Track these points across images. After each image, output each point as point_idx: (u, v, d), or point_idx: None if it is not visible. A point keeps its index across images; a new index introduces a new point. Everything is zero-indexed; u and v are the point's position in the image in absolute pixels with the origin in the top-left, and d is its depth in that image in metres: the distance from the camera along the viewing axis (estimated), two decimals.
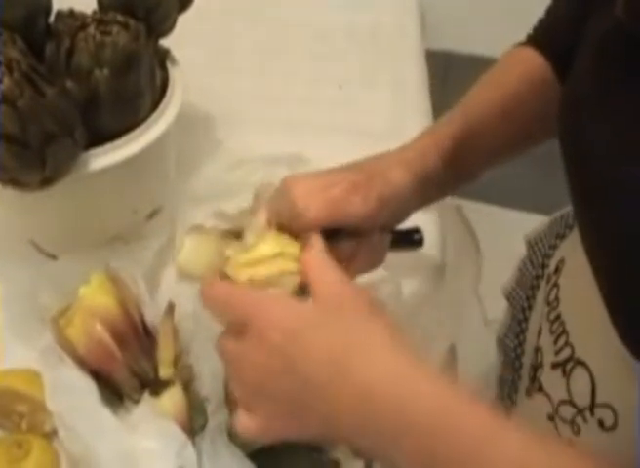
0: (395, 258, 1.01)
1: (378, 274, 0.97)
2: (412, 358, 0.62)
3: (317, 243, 0.72)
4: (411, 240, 0.91)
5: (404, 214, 0.82)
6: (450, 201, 1.02)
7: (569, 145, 0.72)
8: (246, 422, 0.67)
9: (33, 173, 0.82)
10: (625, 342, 0.70)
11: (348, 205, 0.74)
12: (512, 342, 1.07)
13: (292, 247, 0.74)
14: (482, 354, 1.15)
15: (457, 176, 0.87)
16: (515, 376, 1.02)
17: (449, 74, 1.57)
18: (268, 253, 0.74)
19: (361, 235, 0.78)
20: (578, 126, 0.70)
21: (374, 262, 0.82)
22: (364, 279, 0.94)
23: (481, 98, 0.89)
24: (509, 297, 1.13)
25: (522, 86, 0.88)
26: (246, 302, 0.68)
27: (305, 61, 1.39)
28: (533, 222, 1.01)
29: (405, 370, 0.62)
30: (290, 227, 0.75)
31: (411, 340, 0.64)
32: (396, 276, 0.99)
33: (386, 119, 1.27)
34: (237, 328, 0.67)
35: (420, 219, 1.05)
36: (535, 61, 0.88)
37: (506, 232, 1.12)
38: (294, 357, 0.63)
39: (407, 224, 0.86)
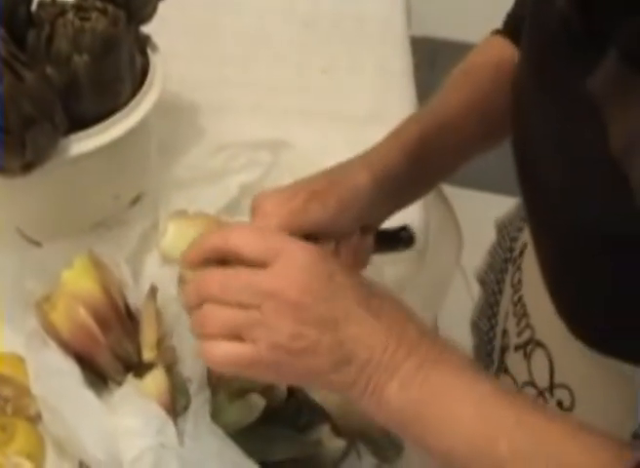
0: None
1: None
2: None
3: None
4: (398, 239, 0.91)
5: (373, 216, 0.82)
6: None
7: (515, 141, 0.73)
8: (233, 350, 0.65)
9: (14, 157, 0.83)
10: (571, 331, 0.71)
11: (307, 213, 0.74)
12: (485, 326, 1.08)
13: None
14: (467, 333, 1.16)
15: (426, 175, 0.87)
16: (488, 360, 1.03)
17: (436, 61, 1.57)
18: None
19: (336, 238, 0.78)
20: (519, 115, 0.71)
21: (357, 263, 0.82)
22: None
23: (449, 97, 0.89)
24: (482, 281, 1.13)
25: (490, 84, 0.87)
26: (277, 237, 0.68)
27: (290, 48, 1.39)
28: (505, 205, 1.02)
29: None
30: None
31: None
32: (378, 258, 1.00)
33: (371, 105, 1.27)
34: (261, 258, 0.66)
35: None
36: (505, 52, 0.87)
37: (481, 215, 1.13)
38: (333, 285, 0.65)
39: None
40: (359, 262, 0.82)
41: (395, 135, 0.85)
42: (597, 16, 0.58)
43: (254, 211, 0.76)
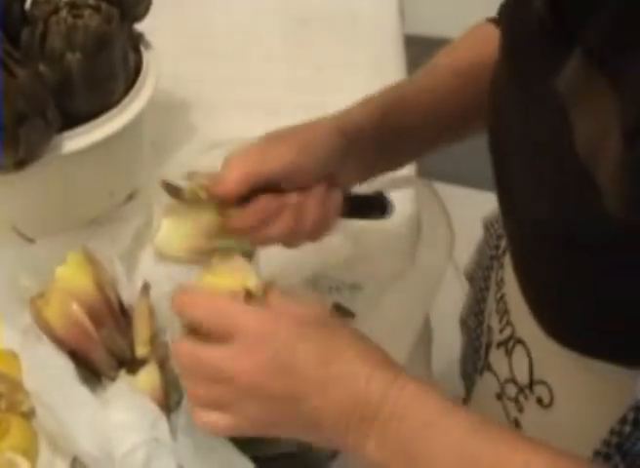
0: (370, 236, 1.02)
1: (352, 252, 0.99)
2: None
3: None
4: (371, 205, 0.90)
5: (339, 170, 0.81)
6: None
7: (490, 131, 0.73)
8: (217, 420, 0.67)
9: (7, 154, 0.83)
10: (543, 329, 0.72)
11: (265, 160, 0.76)
12: (473, 322, 1.08)
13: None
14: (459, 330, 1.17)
15: (396, 144, 0.87)
16: (476, 357, 1.04)
17: (430, 59, 1.57)
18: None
19: (300, 187, 0.78)
20: (495, 113, 0.71)
21: (325, 220, 0.81)
22: (338, 259, 0.96)
23: (436, 79, 0.90)
24: (470, 278, 1.14)
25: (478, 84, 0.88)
26: (234, 311, 0.68)
27: (283, 46, 1.39)
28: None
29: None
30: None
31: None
32: (371, 254, 1.00)
33: None
34: (219, 334, 0.67)
35: (396, 197, 1.06)
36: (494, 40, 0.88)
37: (471, 212, 1.13)
38: (286, 363, 0.65)
39: None
40: (325, 222, 0.81)
41: (370, 99, 0.86)
42: (566, 15, 0.58)
43: (222, 163, 0.78)
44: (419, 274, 0.92)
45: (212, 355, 0.67)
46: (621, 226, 0.54)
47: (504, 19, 0.69)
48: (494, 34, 0.83)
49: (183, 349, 0.69)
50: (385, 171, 0.88)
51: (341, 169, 0.81)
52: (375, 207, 0.88)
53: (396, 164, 0.90)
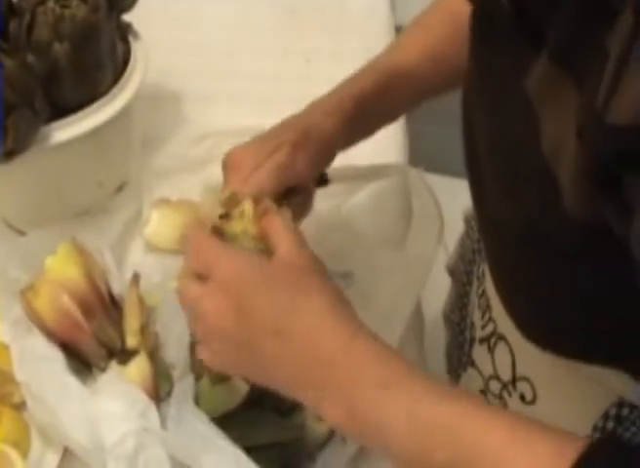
0: (361, 225, 1.02)
1: (343, 242, 0.99)
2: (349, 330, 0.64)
3: (285, 214, 0.73)
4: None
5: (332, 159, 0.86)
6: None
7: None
8: (202, 353, 0.70)
9: None
10: (518, 329, 0.72)
11: (295, 166, 0.78)
12: (457, 317, 1.08)
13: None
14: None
15: (378, 119, 0.92)
16: (460, 352, 1.04)
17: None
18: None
19: (306, 188, 0.82)
20: (467, 110, 0.72)
21: (308, 208, 0.85)
22: (330, 248, 0.96)
23: (402, 45, 0.92)
24: (452, 272, 1.14)
25: (443, 32, 0.90)
26: (210, 251, 0.69)
27: (273, 36, 1.39)
28: None
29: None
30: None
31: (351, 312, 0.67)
32: (362, 242, 1.00)
33: None
34: (200, 272, 0.68)
35: (387, 186, 1.06)
36: (461, 7, 0.87)
37: (455, 202, 1.13)
38: (245, 308, 0.65)
39: None
40: (309, 206, 0.85)
41: (349, 83, 0.88)
42: (532, 16, 0.58)
43: (228, 166, 0.79)
44: (409, 262, 0.92)
45: (189, 293, 0.69)
46: (582, 227, 0.54)
47: (473, 21, 0.69)
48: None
49: (180, 284, 0.71)
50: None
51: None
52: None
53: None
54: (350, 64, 0.92)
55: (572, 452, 0.54)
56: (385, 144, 1.18)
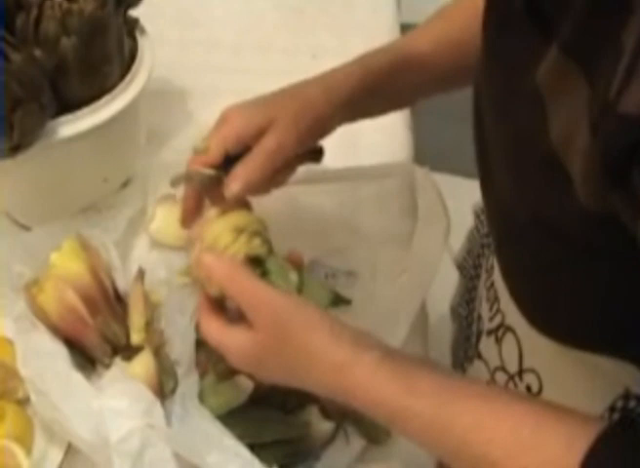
0: (366, 223, 1.02)
1: (348, 239, 0.99)
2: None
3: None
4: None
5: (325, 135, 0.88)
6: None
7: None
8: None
9: (2, 139, 0.83)
10: (526, 319, 0.72)
11: (284, 148, 0.81)
12: (464, 311, 1.08)
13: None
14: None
15: (383, 104, 0.93)
16: (467, 345, 1.04)
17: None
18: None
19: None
20: (477, 99, 0.71)
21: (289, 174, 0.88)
22: (334, 246, 0.96)
23: (421, 33, 0.92)
24: (460, 267, 1.14)
25: (464, 25, 0.88)
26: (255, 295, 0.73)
27: (279, 33, 1.39)
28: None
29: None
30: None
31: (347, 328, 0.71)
32: (367, 240, 1.00)
33: None
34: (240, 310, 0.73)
35: (393, 185, 1.06)
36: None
37: (462, 201, 1.13)
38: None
39: None
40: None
41: (360, 61, 0.88)
42: (544, 8, 0.58)
43: (218, 120, 0.84)
44: (415, 261, 0.92)
45: (217, 336, 0.75)
46: (593, 218, 0.54)
47: (485, 13, 0.69)
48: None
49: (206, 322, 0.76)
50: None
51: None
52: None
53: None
54: None
55: (581, 446, 0.55)
56: (391, 143, 1.18)
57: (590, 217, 0.54)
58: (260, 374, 0.76)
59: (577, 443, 0.56)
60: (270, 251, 0.80)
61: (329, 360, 0.69)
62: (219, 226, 0.79)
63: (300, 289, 0.78)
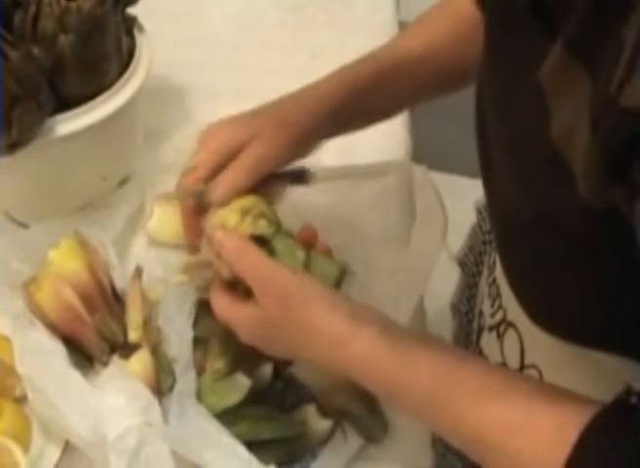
0: (364, 221, 1.02)
1: (345, 238, 0.99)
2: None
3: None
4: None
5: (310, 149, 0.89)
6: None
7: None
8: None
9: (0, 137, 0.83)
10: (528, 315, 0.72)
11: (269, 158, 0.82)
12: (465, 307, 1.08)
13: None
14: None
15: (369, 115, 0.93)
16: (467, 341, 1.04)
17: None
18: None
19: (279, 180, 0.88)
20: (480, 97, 0.71)
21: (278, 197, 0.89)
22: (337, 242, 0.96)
23: (405, 42, 0.92)
24: (461, 263, 1.14)
25: (446, 32, 0.89)
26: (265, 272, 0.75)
27: (278, 32, 1.38)
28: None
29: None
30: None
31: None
32: (364, 239, 1.00)
33: None
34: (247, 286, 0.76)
35: (390, 183, 1.06)
36: (467, 9, 0.86)
37: (464, 200, 1.13)
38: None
39: None
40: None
41: (343, 72, 0.89)
42: (549, 5, 0.58)
43: (202, 137, 0.85)
44: (412, 258, 0.92)
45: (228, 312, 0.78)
46: (594, 213, 0.54)
47: (486, 15, 0.69)
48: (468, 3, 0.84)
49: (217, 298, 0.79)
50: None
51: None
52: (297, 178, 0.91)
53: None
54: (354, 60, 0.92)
55: (575, 428, 0.57)
56: (389, 142, 1.18)
57: (592, 213, 0.54)
58: (266, 348, 0.78)
59: (571, 424, 0.58)
60: (278, 230, 0.81)
61: (327, 333, 0.71)
62: (225, 209, 0.79)
63: (306, 265, 0.79)
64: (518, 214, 0.64)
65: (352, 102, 0.87)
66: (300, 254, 0.80)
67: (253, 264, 0.75)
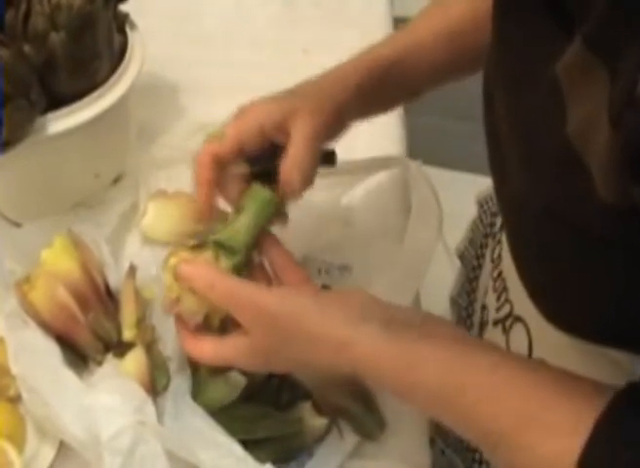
0: (359, 217, 1.02)
1: (341, 234, 0.99)
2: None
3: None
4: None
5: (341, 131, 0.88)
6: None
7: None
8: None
9: None
10: (539, 311, 0.72)
11: (319, 136, 0.80)
12: (464, 301, 1.08)
13: None
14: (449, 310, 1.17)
15: (387, 101, 0.93)
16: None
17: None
18: None
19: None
20: (488, 88, 0.71)
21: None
22: (327, 240, 0.95)
23: (419, 26, 0.91)
24: (461, 257, 1.14)
25: (462, 16, 0.89)
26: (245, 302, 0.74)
27: (271, 28, 1.38)
28: (484, 185, 1.02)
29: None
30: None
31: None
32: (360, 234, 1.00)
33: None
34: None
35: (385, 178, 1.06)
36: None
37: (458, 194, 1.13)
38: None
39: None
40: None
41: (366, 52, 0.88)
42: (566, 1, 0.58)
43: (235, 114, 0.83)
44: (408, 253, 0.92)
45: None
46: (611, 210, 0.53)
47: (496, 6, 0.68)
48: None
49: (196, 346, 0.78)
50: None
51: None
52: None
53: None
54: (348, 56, 0.91)
55: (589, 422, 0.56)
56: (384, 137, 1.18)
57: (609, 211, 0.53)
58: (272, 370, 0.79)
59: (585, 414, 0.57)
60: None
61: (328, 342, 0.69)
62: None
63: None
64: (528, 206, 0.63)
65: (375, 81, 0.86)
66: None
67: (227, 294, 0.73)
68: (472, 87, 0.84)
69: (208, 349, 0.76)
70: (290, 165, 0.78)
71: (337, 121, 0.83)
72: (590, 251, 0.59)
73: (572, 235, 0.59)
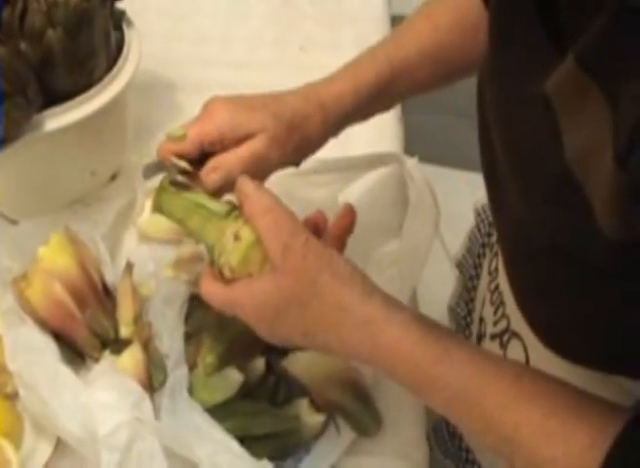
0: (361, 215, 1.01)
1: None
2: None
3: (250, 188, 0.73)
4: None
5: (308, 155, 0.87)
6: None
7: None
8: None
9: None
10: (534, 333, 0.71)
11: (267, 160, 0.79)
12: (462, 311, 1.07)
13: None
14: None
15: (375, 111, 0.91)
16: None
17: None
18: None
19: None
20: (482, 106, 0.70)
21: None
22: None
23: (406, 38, 0.89)
24: (459, 265, 1.13)
25: (450, 28, 0.87)
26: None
27: (268, 25, 1.38)
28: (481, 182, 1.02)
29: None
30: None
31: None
32: (357, 232, 1.00)
33: None
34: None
35: (382, 175, 1.06)
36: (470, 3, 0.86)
37: (455, 192, 1.13)
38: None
39: None
40: None
41: (351, 75, 0.86)
42: (561, 19, 0.57)
43: (202, 109, 0.82)
44: (405, 250, 0.92)
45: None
46: (612, 243, 0.52)
47: (491, 20, 0.67)
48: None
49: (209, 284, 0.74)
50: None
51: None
52: None
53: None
54: (345, 53, 0.91)
55: (607, 440, 0.56)
56: (381, 134, 1.18)
57: (609, 243, 0.52)
58: (274, 330, 0.70)
59: (603, 435, 0.57)
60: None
61: (359, 315, 0.66)
62: None
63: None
64: (527, 234, 0.62)
65: (357, 111, 0.85)
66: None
67: (281, 227, 0.71)
68: (469, 84, 0.84)
69: (218, 287, 0.72)
70: (219, 162, 0.78)
71: (304, 148, 0.83)
72: (587, 282, 0.58)
73: (570, 265, 0.58)
